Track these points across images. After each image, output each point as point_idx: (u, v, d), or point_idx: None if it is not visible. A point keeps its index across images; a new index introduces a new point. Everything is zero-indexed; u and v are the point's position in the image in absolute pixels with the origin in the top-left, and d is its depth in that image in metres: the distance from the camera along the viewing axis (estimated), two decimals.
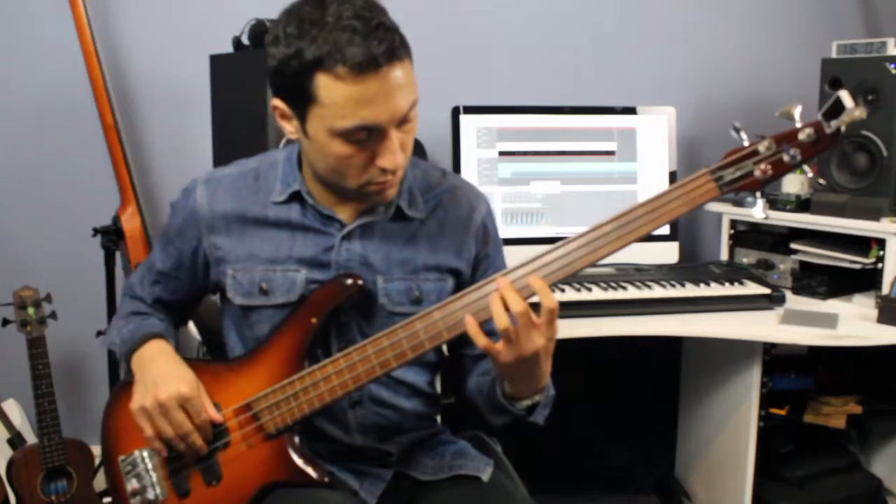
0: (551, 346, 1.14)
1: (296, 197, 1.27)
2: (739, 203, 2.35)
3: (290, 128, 1.19)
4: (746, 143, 1.10)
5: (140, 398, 1.23)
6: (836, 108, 1.05)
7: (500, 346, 1.10)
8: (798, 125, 1.07)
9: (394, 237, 1.28)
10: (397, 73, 1.10)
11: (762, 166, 1.08)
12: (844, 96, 1.05)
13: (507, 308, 1.08)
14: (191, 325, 1.58)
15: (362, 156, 1.14)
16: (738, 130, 1.11)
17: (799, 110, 1.07)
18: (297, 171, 1.27)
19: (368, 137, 1.12)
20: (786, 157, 1.08)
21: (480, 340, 1.10)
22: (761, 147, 1.09)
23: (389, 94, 1.09)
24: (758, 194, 1.11)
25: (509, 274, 1.12)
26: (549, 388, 1.27)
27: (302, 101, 1.13)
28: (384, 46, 1.07)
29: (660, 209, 1.10)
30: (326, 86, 1.09)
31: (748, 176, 1.09)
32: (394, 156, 1.13)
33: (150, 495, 1.27)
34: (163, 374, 1.24)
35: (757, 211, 1.13)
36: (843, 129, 1.05)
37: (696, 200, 1.10)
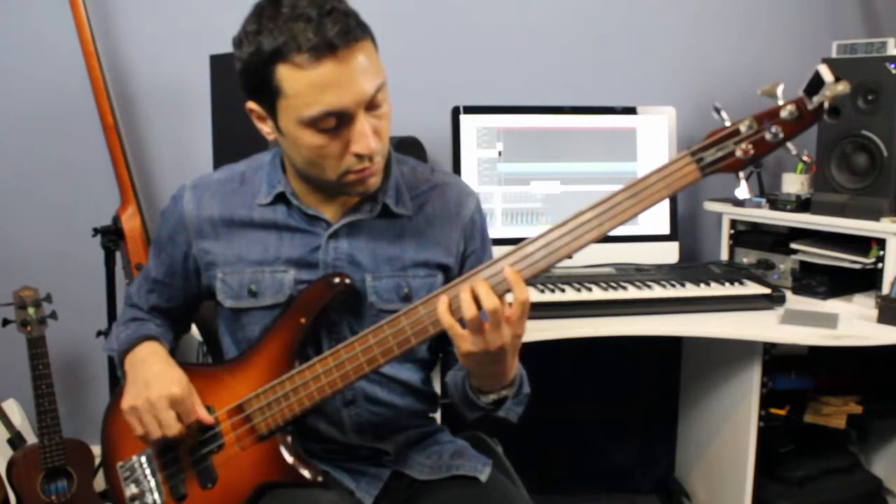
0: (518, 342, 1.13)
1: (281, 198, 1.27)
2: (740, 203, 2.37)
3: (266, 128, 1.20)
4: (728, 124, 1.09)
5: (131, 398, 1.23)
6: (817, 83, 1.03)
7: (465, 331, 1.10)
8: (780, 103, 1.06)
9: (381, 235, 1.28)
10: (356, 55, 1.10)
11: (743, 146, 1.07)
12: (823, 70, 1.03)
13: (478, 305, 1.08)
14: (192, 326, 1.58)
15: (335, 144, 1.14)
16: (718, 111, 1.11)
17: (781, 88, 1.06)
18: (282, 173, 1.28)
19: (338, 124, 1.12)
20: (767, 136, 1.06)
21: (445, 319, 1.10)
22: (742, 126, 1.07)
23: (351, 77, 1.10)
24: (741, 174, 1.11)
25: (490, 267, 1.12)
26: (522, 385, 1.27)
27: (270, 97, 1.13)
28: (337, 29, 1.07)
29: (641, 194, 1.09)
30: (288, 76, 1.10)
31: (730, 156, 1.08)
32: (366, 140, 1.13)
33: (149, 500, 1.28)
34: (155, 375, 1.24)
35: (740, 191, 1.12)
36: (826, 104, 1.04)
37: (678, 184, 1.09)
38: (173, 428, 1.21)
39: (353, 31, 1.09)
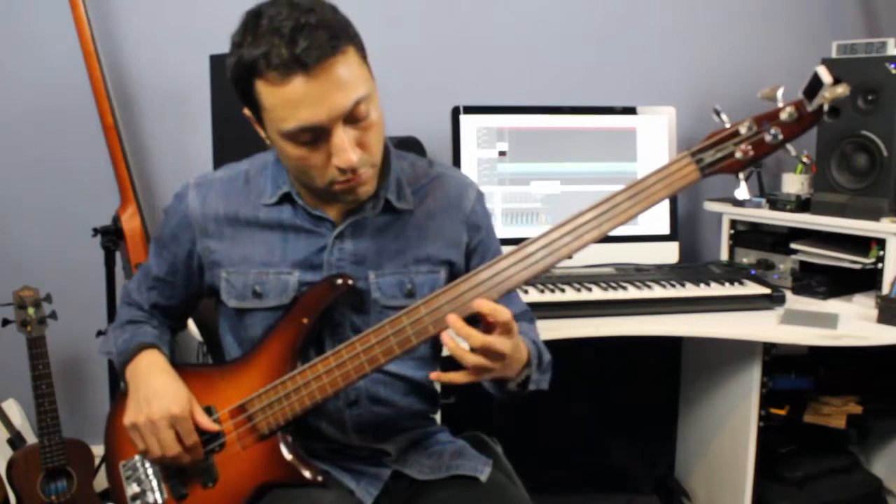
0: (517, 339, 1.16)
1: (286, 198, 1.28)
2: (740, 203, 2.37)
3: (262, 133, 1.21)
4: (728, 125, 1.10)
5: (132, 415, 1.24)
6: (816, 85, 1.05)
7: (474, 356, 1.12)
8: (780, 105, 1.07)
9: (384, 231, 1.29)
10: (331, 69, 1.08)
11: (743, 147, 1.08)
12: (822, 72, 1.04)
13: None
14: (192, 326, 1.58)
15: (317, 156, 1.14)
16: (718, 113, 1.12)
17: (781, 91, 1.08)
18: (286, 173, 1.28)
19: (316, 138, 1.12)
20: (767, 137, 1.08)
21: (458, 353, 1.11)
22: (742, 128, 1.09)
23: (324, 93, 1.08)
24: (740, 175, 1.12)
25: (491, 268, 1.13)
26: (542, 356, 1.29)
27: (254, 107, 1.15)
28: (307, 45, 1.05)
29: (640, 195, 1.10)
30: (264, 91, 1.10)
31: (729, 157, 1.09)
32: (345, 154, 1.12)
33: (150, 499, 1.28)
34: (155, 392, 1.24)
35: (740, 192, 1.13)
36: (825, 106, 1.05)
37: (677, 184, 1.10)
38: (173, 448, 1.22)
39: (325, 47, 1.07)
